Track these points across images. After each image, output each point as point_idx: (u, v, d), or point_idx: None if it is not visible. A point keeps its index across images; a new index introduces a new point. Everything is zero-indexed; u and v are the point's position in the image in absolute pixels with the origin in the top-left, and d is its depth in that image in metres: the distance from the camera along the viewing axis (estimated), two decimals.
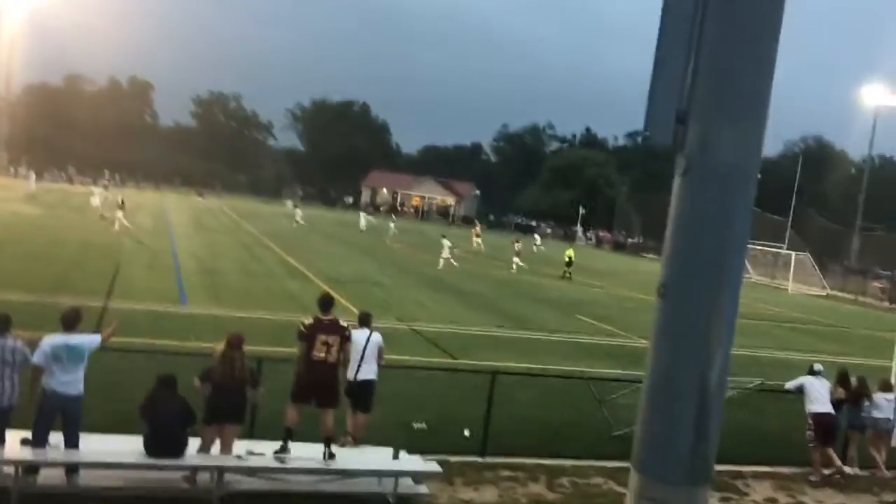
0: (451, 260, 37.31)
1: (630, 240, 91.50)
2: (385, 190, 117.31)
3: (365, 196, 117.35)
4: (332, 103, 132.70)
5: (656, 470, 3.33)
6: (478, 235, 54.57)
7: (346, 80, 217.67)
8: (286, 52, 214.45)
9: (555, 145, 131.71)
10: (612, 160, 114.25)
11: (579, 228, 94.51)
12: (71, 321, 8.09)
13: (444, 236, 40.33)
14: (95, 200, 45.75)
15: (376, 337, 10.29)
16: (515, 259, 40.72)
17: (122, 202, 38.41)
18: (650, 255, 75.70)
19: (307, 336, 9.06)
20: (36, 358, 7.75)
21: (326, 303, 9.63)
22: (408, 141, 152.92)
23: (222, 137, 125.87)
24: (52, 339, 7.87)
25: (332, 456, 8.55)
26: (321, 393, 9.01)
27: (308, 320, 9.30)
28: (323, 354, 8.99)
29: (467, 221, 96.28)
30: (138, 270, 24.91)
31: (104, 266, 24.56)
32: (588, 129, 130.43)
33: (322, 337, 9.05)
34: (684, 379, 3.25)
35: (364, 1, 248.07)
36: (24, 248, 26.62)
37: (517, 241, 43.65)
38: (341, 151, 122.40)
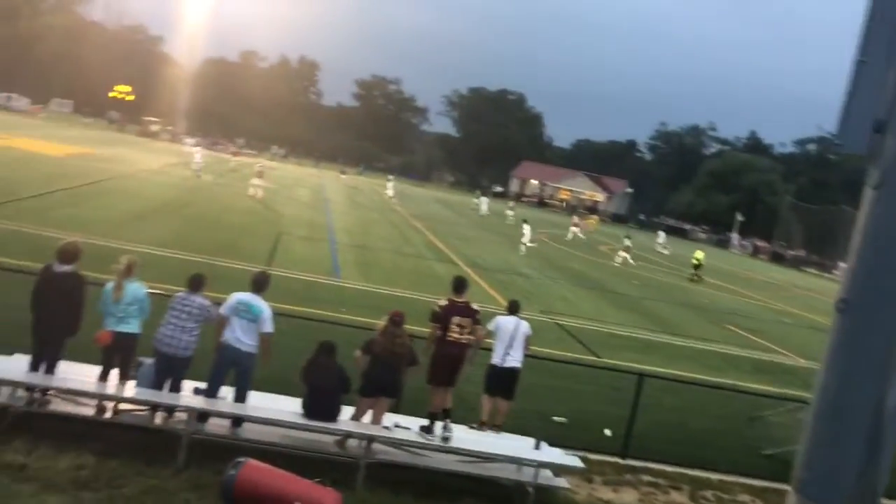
0: (528, 244, 36.75)
1: (790, 252, 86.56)
2: (534, 181, 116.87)
3: (514, 186, 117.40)
4: (489, 91, 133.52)
5: (819, 494, 3.21)
6: (577, 223, 53.64)
7: (504, 68, 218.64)
8: (449, 39, 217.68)
9: (715, 147, 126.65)
10: (777, 167, 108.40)
11: (735, 235, 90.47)
12: (260, 284, 8.65)
13: (525, 221, 40.26)
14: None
15: (524, 325, 10.34)
16: (623, 254, 40.31)
17: (261, 172, 39.89)
18: (812, 270, 71.53)
19: (442, 317, 9.24)
20: (222, 309, 8.36)
21: (460, 285, 9.76)
22: (561, 133, 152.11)
23: (380, 119, 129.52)
24: (240, 296, 8.43)
25: (448, 429, 8.63)
26: (452, 373, 9.20)
27: (442, 302, 9.47)
28: (456, 335, 9.15)
29: (617, 219, 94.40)
30: (297, 242, 26.16)
31: (267, 234, 26.07)
32: (753, 133, 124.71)
33: (456, 319, 9.21)
34: (859, 400, 3.12)
35: None
36: (195, 212, 28.58)
37: (628, 237, 43.41)
38: (494, 140, 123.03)
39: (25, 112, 76.01)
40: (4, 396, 7.86)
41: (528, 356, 10.38)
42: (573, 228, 51.42)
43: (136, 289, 8.32)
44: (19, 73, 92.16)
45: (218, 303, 8.59)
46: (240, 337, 8.29)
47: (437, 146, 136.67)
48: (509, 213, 58.89)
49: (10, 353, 8.85)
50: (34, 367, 8.20)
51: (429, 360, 9.25)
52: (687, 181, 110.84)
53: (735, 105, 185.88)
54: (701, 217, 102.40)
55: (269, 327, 8.43)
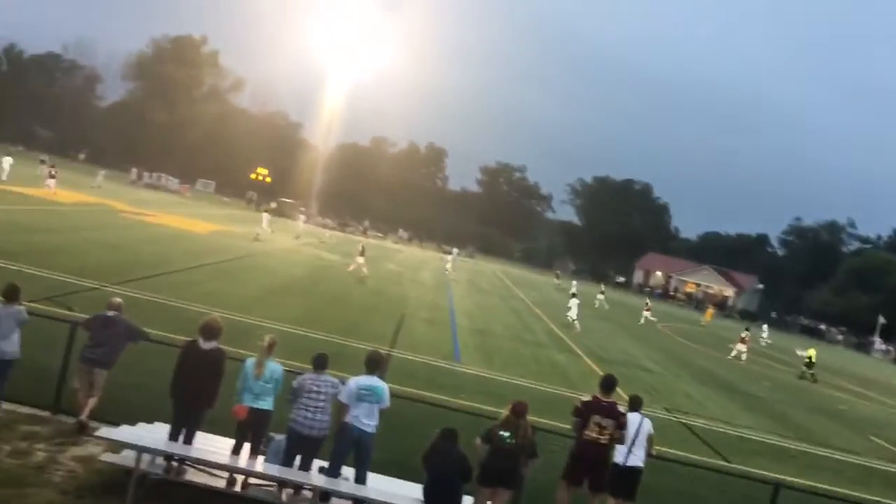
0: (574, 319, 35.79)
1: None
2: (659, 273, 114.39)
3: (637, 277, 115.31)
4: (614, 181, 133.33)
5: None
6: (648, 309, 52.09)
7: (630, 158, 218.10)
8: (575, 128, 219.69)
9: (854, 245, 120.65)
10: None
11: (877, 339, 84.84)
12: (376, 364, 8.87)
13: (574, 295, 39.60)
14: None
15: (647, 423, 10.02)
16: (740, 346, 39.02)
17: (363, 250, 40.65)
18: None
19: (582, 413, 9.06)
20: (343, 396, 8.60)
21: (608, 384, 9.56)
22: (688, 225, 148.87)
23: (503, 205, 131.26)
24: (359, 380, 8.67)
25: None
26: (593, 476, 8.93)
27: (586, 397, 9.31)
28: (595, 435, 8.92)
29: (746, 316, 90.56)
30: (420, 324, 26.52)
31: (391, 314, 26.61)
32: None
33: (597, 418, 9.00)
34: None
35: (655, 81, 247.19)
36: (324, 290, 29.57)
37: (746, 330, 41.85)
38: (618, 230, 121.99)
39: (175, 191, 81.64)
40: (144, 463, 8.25)
41: (650, 456, 10.01)
42: (705, 319, 50.13)
43: (275, 368, 8.71)
44: (172, 155, 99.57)
45: (342, 380, 8.84)
46: (363, 419, 8.47)
47: (559, 234, 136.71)
48: (600, 296, 57.26)
49: (151, 420, 9.35)
50: (173, 436, 8.61)
51: (567, 456, 9.10)
52: (823, 279, 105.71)
53: (876, 201, 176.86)
54: (839, 318, 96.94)
55: (387, 403, 8.72)
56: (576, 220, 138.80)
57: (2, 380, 9.51)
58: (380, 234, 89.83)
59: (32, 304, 11.97)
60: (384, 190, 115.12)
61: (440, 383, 17.04)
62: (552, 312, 41.47)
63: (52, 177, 42.74)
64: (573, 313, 36.36)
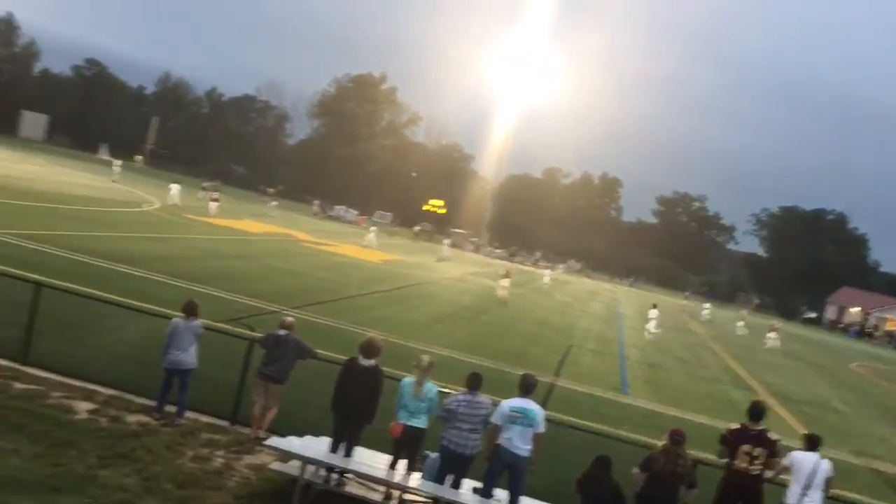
0: (653, 330, 33.72)
1: None
2: (855, 309, 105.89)
3: (830, 313, 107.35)
4: (803, 211, 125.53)
5: None
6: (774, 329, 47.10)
7: (821, 187, 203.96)
8: (758, 156, 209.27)
9: None
10: None
11: None
12: (528, 387, 8.83)
13: (654, 305, 36.92)
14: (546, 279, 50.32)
15: (826, 464, 9.26)
16: None
17: (508, 273, 40.47)
18: None
19: (730, 442, 8.63)
20: (496, 418, 8.63)
21: (757, 411, 9.05)
22: (890, 258, 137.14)
23: (681, 236, 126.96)
24: (512, 403, 8.67)
25: None
26: None
27: (734, 425, 8.84)
28: (745, 465, 8.44)
29: None
30: (587, 354, 26.09)
31: (557, 344, 26.37)
32: None
33: (746, 447, 8.53)
34: None
35: (848, 103, 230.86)
36: (490, 319, 29.80)
37: None
38: (807, 263, 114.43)
39: (353, 222, 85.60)
40: (308, 473, 8.65)
41: (829, 499, 9.23)
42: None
43: (431, 388, 8.90)
44: (352, 188, 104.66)
45: (496, 402, 8.86)
46: (516, 442, 8.44)
47: (742, 266, 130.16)
48: (739, 324, 53.23)
49: (317, 434, 9.79)
50: (334, 449, 8.99)
51: (716, 488, 8.68)
52: None
53: None
54: None
55: (542, 428, 8.53)
56: (760, 252, 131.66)
57: (183, 389, 10.39)
58: (550, 265, 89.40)
59: (218, 324, 12.95)
60: (556, 221, 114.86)
61: (603, 414, 16.64)
62: (730, 347, 39.49)
63: (213, 200, 47.01)
64: (651, 325, 34.95)
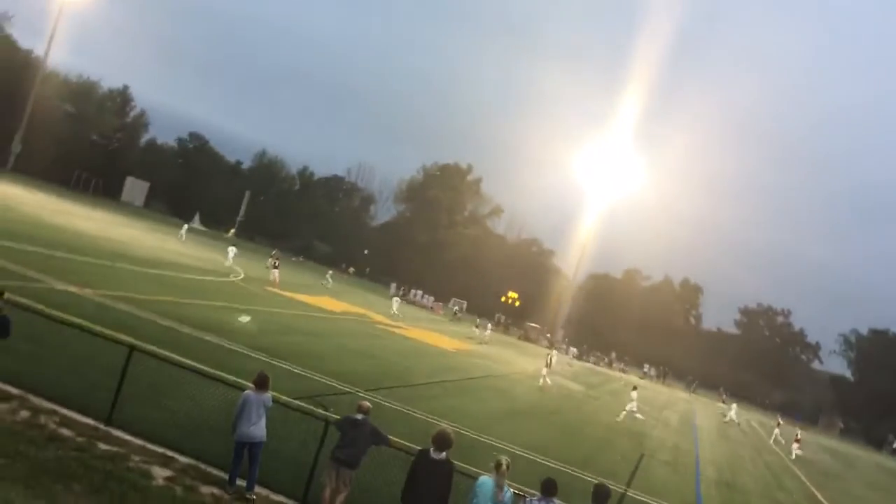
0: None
1: None
2: None
3: None
4: (894, 336, 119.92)
5: None
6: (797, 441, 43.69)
7: None
8: (849, 273, 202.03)
9: None
10: None
11: None
12: (603, 497, 8.58)
13: (634, 388, 37.54)
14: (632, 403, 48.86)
15: None
16: None
17: (550, 361, 40.22)
18: None
19: None
20: None
21: None
22: None
23: (763, 351, 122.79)
24: None
25: None
26: None
27: None
28: None
29: None
30: (660, 466, 25.18)
31: (629, 452, 25.56)
32: None
33: None
34: None
35: None
36: (561, 420, 29.18)
37: None
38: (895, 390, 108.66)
39: (429, 308, 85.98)
40: None
41: None
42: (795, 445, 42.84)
43: (507, 490, 8.75)
44: (429, 273, 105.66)
45: None
46: None
47: (827, 388, 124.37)
48: (796, 449, 49.43)
49: None
50: None
51: None
52: None
53: None
54: None
55: None
56: (847, 373, 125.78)
57: (254, 463, 10.48)
58: (624, 368, 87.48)
59: (294, 401, 13.11)
60: (633, 323, 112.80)
61: None
62: (814, 474, 37.47)
63: (275, 267, 48.75)
64: (735, 413, 34.15)
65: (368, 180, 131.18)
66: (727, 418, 52.80)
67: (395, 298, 61.38)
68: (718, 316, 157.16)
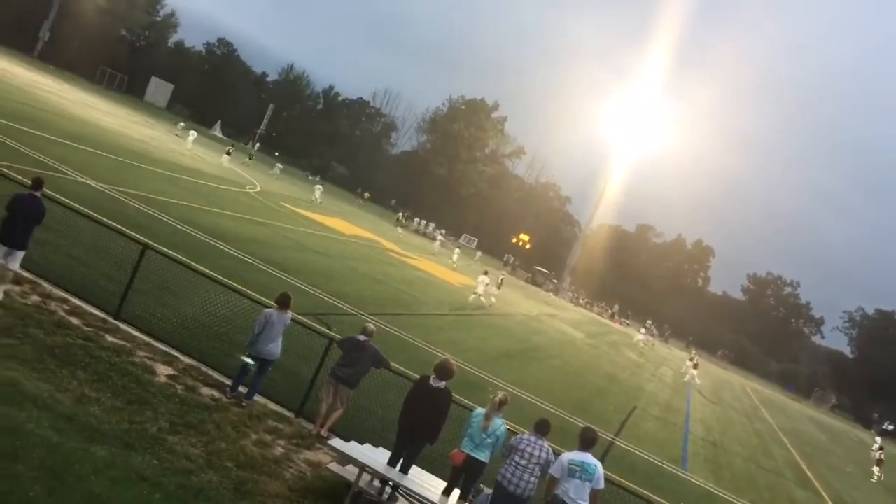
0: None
1: None
2: None
3: None
4: None
5: None
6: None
7: None
8: (862, 252, 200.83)
9: None
10: None
11: None
12: (590, 441, 8.67)
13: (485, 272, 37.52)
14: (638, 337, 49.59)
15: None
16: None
17: (695, 362, 41.08)
18: None
19: None
20: (553, 470, 8.53)
21: None
22: None
23: (766, 319, 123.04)
24: (571, 456, 8.55)
25: None
26: None
27: None
28: None
29: None
30: (650, 420, 25.51)
31: (624, 403, 25.90)
32: None
33: None
34: None
35: None
36: (559, 364, 29.47)
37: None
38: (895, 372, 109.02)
39: (439, 241, 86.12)
40: (363, 481, 8.73)
41: None
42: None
43: (500, 425, 8.89)
44: (443, 206, 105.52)
45: (557, 453, 8.76)
46: (573, 496, 8.31)
47: (825, 363, 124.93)
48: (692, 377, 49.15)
49: (377, 445, 9.89)
50: (392, 462, 9.05)
51: None
52: None
53: None
54: None
55: (601, 485, 8.42)
56: (847, 351, 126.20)
57: (261, 375, 10.66)
58: (627, 322, 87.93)
59: (299, 317, 13.23)
60: (640, 279, 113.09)
61: (660, 485, 16.21)
62: (800, 443, 37.94)
63: (227, 154, 48.85)
64: (479, 289, 37.14)
65: (393, 107, 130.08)
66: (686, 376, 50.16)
67: (318, 187, 58.11)
68: (727, 281, 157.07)
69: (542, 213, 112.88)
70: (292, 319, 11.05)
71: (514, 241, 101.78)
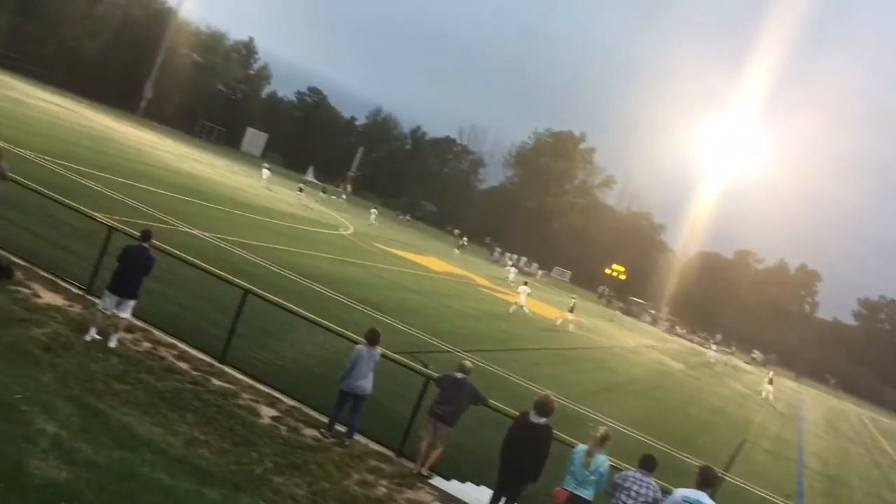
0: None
1: None
2: None
3: None
4: None
5: None
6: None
7: None
8: None
9: None
10: None
11: None
12: (709, 480, 8.29)
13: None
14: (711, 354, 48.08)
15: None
16: None
17: (770, 377, 39.23)
18: None
19: None
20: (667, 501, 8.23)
21: None
22: None
23: (881, 345, 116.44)
24: (686, 492, 8.17)
25: None
26: None
27: None
28: None
29: None
30: (761, 453, 24.44)
31: (731, 436, 24.93)
32: None
33: None
34: None
35: None
36: (662, 396, 28.64)
37: None
38: None
39: (531, 274, 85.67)
40: None
41: None
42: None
43: (603, 461, 8.67)
44: (534, 240, 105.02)
45: (665, 491, 8.46)
46: None
47: None
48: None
49: (478, 483, 9.81)
50: (494, 502, 8.95)
51: None
52: None
53: None
54: None
55: None
56: None
57: (356, 411, 10.77)
58: (729, 351, 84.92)
59: (396, 355, 13.36)
60: (742, 306, 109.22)
61: None
62: None
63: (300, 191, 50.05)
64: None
65: (479, 143, 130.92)
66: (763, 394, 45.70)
67: (511, 268, 60.85)
68: (836, 306, 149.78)
69: (635, 243, 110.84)
70: (386, 356, 11.15)
71: (608, 272, 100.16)
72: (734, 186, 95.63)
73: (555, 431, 9.30)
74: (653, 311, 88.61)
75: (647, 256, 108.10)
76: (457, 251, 63.36)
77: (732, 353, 77.44)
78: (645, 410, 23.78)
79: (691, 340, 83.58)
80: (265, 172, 55.50)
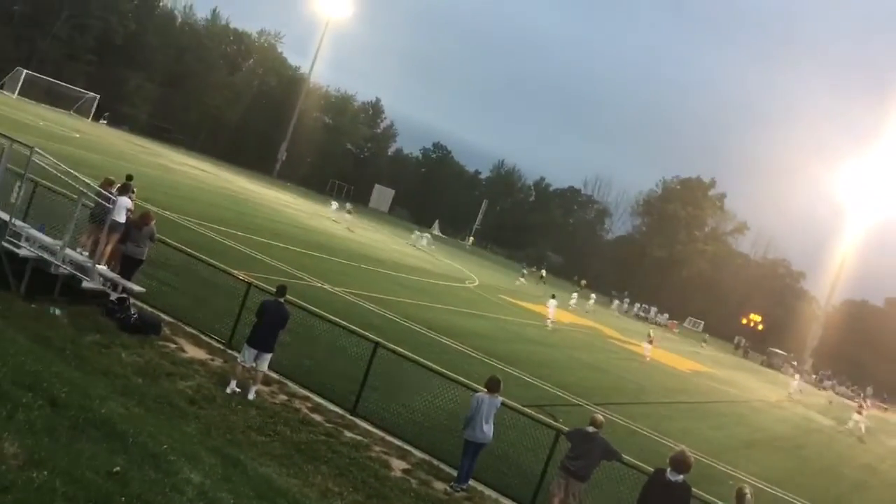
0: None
1: None
2: None
3: None
4: None
5: None
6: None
7: None
8: None
9: None
10: None
11: None
12: None
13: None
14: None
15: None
16: None
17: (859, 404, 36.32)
18: None
19: None
20: None
21: None
22: None
23: None
24: None
25: None
26: None
27: None
28: None
29: None
30: None
31: (889, 498, 23.07)
32: None
33: None
34: None
35: None
36: (809, 454, 26.89)
37: None
38: None
39: (662, 325, 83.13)
40: None
41: None
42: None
43: None
44: (664, 290, 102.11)
45: None
46: None
47: None
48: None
49: None
50: None
51: None
52: None
53: None
54: None
55: None
56: None
57: (473, 459, 10.71)
58: (883, 406, 78.95)
59: (524, 408, 13.23)
60: (891, 356, 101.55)
61: None
62: None
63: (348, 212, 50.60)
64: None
65: (604, 193, 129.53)
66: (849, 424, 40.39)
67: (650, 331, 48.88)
68: None
69: (772, 291, 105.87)
70: (515, 409, 11.06)
71: (745, 321, 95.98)
72: (881, 229, 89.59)
73: (693, 490, 8.89)
74: (795, 363, 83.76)
75: (785, 305, 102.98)
76: (521, 280, 60.39)
77: (887, 409, 72.06)
78: (791, 469, 22.38)
79: (838, 394, 78.29)
80: (422, 238, 57.32)
